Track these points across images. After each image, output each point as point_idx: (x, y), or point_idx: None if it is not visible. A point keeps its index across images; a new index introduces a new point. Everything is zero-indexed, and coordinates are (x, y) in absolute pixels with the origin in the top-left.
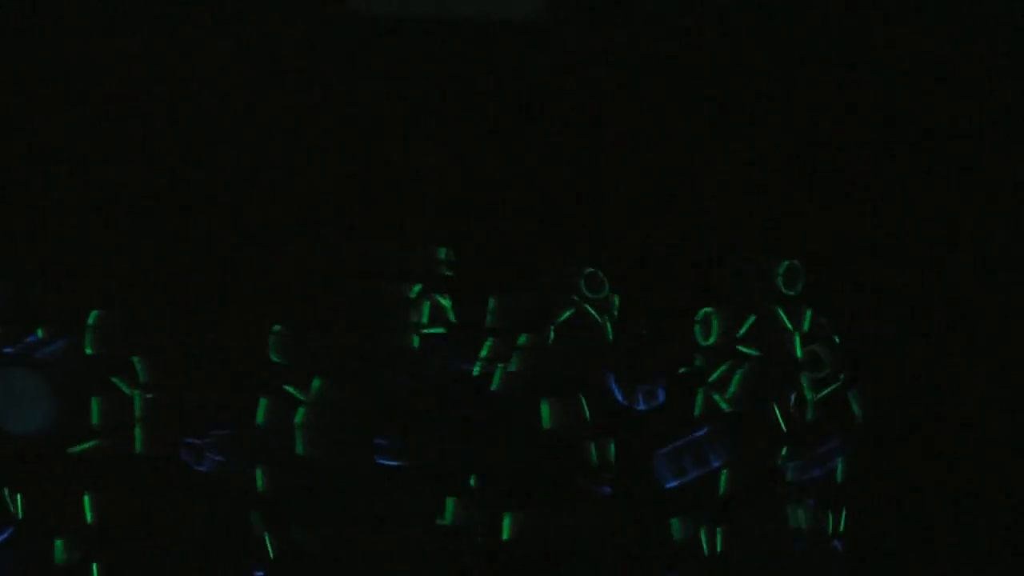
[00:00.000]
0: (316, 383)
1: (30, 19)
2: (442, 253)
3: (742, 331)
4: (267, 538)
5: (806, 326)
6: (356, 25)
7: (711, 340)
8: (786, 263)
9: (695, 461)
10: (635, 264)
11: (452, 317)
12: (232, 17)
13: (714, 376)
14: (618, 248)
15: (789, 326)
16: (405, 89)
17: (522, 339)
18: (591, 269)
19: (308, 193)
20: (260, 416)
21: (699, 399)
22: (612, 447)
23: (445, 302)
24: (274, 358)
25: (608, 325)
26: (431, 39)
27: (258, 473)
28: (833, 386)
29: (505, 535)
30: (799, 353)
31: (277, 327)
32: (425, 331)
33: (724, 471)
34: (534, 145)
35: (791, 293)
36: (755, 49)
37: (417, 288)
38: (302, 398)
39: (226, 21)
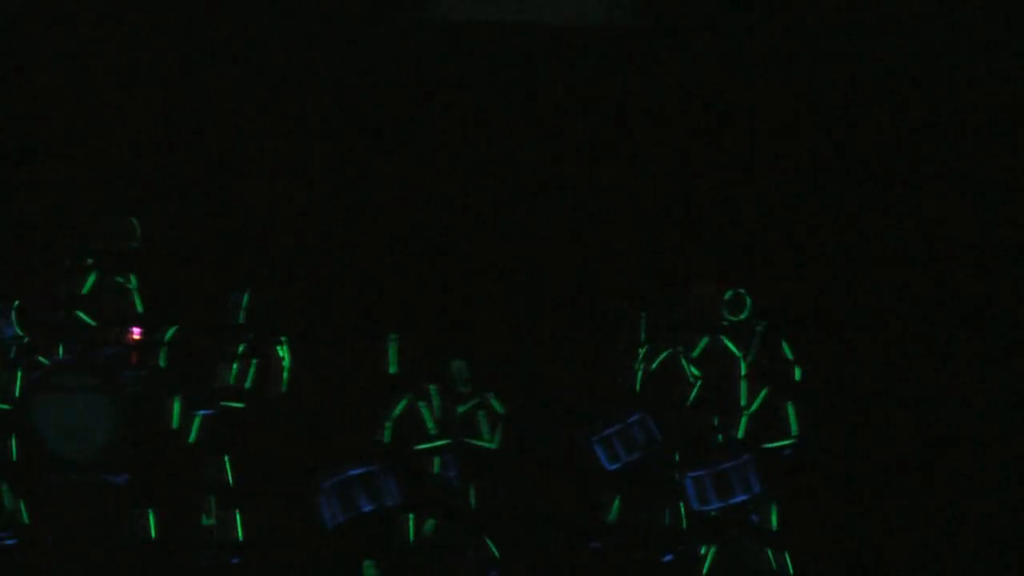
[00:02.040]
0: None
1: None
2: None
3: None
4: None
5: None
6: (434, 30)
7: (393, 369)
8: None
9: (345, 505)
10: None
11: None
12: (312, 23)
13: (396, 411)
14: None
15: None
16: (483, 93)
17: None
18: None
19: (385, 194)
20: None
21: (387, 432)
22: None
23: None
24: (18, 331)
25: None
26: (512, 44)
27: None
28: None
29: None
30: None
31: (16, 302)
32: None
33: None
34: (617, 150)
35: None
36: (847, 55)
37: None
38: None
39: (306, 27)
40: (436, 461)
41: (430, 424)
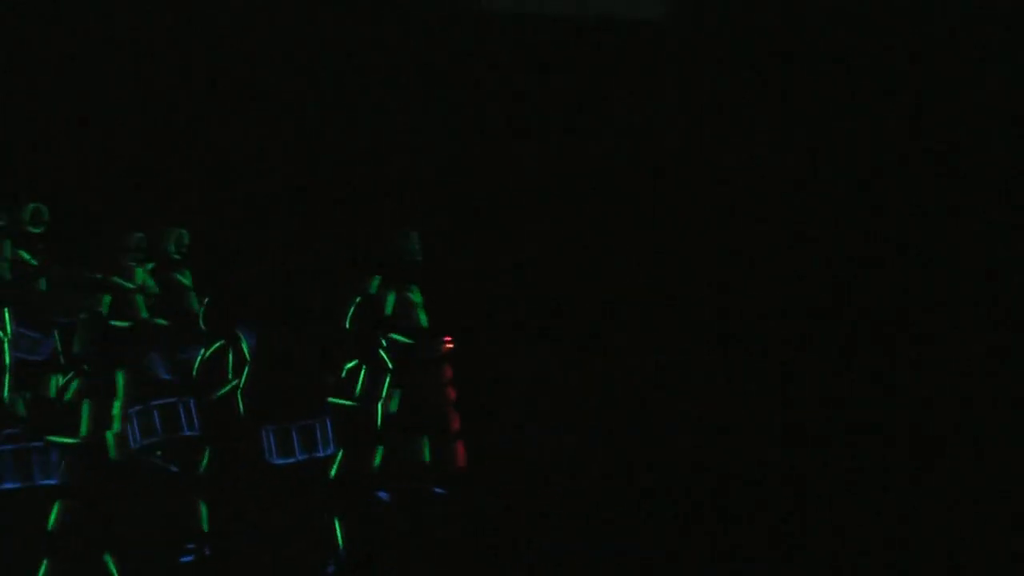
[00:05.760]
0: None
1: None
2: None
3: None
4: None
5: None
6: (488, 22)
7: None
8: None
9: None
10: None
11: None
12: (367, 16)
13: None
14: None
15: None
16: (530, 84)
17: None
18: None
19: (431, 185)
20: None
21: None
22: None
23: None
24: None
25: None
26: (557, 36)
27: None
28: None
29: None
30: None
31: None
32: None
33: None
34: (653, 140)
35: None
36: (878, 47)
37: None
38: None
39: (362, 20)
40: None
41: None
